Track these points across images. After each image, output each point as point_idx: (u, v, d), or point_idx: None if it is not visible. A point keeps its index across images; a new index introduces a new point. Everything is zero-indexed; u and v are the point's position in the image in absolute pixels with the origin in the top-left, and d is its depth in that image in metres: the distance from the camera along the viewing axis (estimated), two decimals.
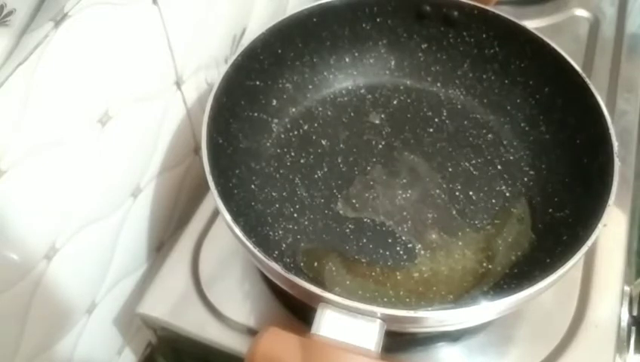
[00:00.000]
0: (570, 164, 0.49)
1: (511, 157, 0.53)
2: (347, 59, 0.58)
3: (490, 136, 0.55)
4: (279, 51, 0.54)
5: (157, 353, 0.58)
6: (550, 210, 0.48)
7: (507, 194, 0.51)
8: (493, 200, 0.50)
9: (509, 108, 0.55)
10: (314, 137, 0.54)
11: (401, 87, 0.59)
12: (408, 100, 0.58)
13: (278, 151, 0.53)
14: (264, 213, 0.49)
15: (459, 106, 0.57)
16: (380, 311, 0.36)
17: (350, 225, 0.48)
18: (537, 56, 0.52)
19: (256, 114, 0.53)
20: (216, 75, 0.49)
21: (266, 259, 0.38)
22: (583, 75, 0.48)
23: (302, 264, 0.46)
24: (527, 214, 0.49)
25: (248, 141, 0.51)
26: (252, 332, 0.47)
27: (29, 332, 0.41)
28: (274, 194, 0.50)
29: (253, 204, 0.49)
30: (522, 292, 0.37)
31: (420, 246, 0.47)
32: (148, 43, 0.45)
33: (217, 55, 0.56)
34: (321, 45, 0.56)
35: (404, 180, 0.51)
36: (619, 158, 0.43)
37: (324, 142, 0.54)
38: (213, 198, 0.41)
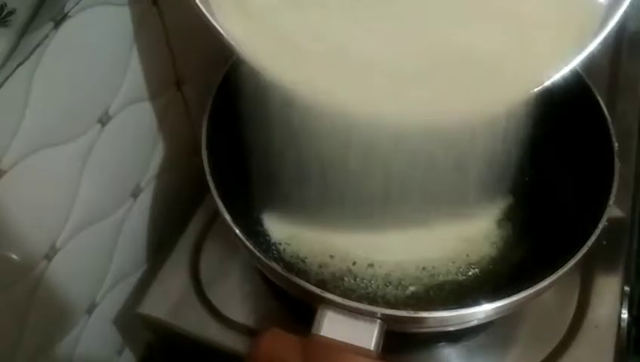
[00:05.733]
0: (571, 164, 0.49)
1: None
2: None
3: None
4: None
5: (157, 353, 0.58)
6: (550, 210, 0.48)
7: (507, 194, 0.50)
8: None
9: None
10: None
11: None
12: None
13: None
14: (264, 213, 0.49)
15: None
16: (380, 311, 0.36)
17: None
18: None
19: (256, 114, 0.53)
20: (216, 75, 0.49)
21: (265, 259, 0.38)
22: (584, 74, 0.48)
23: (302, 264, 0.46)
24: (527, 214, 0.49)
25: (248, 141, 0.51)
26: (252, 333, 0.47)
27: (29, 332, 0.41)
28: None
29: (253, 204, 0.49)
30: (522, 293, 0.37)
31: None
32: (148, 43, 0.45)
33: (217, 55, 0.56)
34: None
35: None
36: (619, 158, 0.43)
37: None
38: (214, 198, 0.41)
